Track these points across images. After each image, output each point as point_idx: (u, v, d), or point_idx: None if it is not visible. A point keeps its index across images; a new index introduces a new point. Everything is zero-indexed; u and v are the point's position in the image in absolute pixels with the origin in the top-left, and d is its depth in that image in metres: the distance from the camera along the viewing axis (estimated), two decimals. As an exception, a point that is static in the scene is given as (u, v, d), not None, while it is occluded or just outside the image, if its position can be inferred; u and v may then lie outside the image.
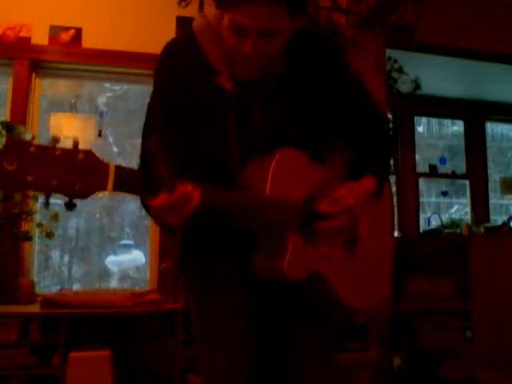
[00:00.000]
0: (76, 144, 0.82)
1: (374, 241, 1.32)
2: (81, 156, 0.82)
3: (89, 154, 0.83)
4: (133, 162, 3.16)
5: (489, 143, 5.35)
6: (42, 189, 0.80)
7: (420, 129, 5.37)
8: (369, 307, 1.35)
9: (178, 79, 1.17)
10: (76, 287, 3.44)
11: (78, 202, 0.83)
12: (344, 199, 1.15)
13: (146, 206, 1.04)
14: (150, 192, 0.91)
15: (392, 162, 1.40)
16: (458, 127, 5.43)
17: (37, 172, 0.78)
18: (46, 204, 0.83)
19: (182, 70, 1.17)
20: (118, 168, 0.86)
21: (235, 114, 1.14)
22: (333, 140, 1.28)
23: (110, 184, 0.84)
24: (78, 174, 0.81)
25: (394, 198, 1.41)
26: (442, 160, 5.22)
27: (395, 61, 3.63)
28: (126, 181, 0.87)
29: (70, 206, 0.83)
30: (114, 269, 3.50)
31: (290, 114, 1.18)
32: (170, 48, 1.21)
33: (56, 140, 0.81)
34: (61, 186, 0.80)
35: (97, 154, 0.84)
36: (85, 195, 0.82)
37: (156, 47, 1.25)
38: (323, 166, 1.23)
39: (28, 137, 2.86)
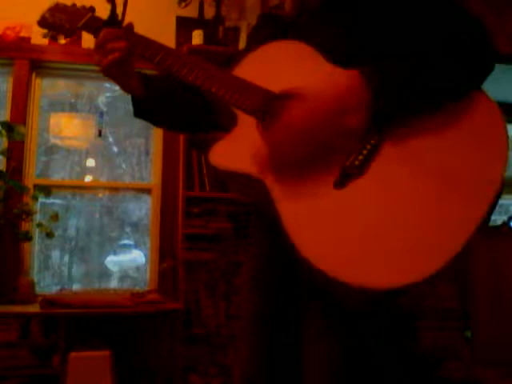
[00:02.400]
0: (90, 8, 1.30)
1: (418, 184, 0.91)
2: (82, 9, 1.29)
3: (89, 10, 1.29)
4: (133, 161, 3.16)
5: (489, 143, 5.34)
6: (68, 26, 1.25)
7: (420, 129, 5.36)
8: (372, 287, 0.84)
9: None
10: (76, 287, 3.44)
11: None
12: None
13: None
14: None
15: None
16: (458, 127, 5.42)
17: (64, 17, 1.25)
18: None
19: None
20: (93, 16, 1.27)
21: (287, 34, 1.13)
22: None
23: (81, 23, 1.23)
24: (71, 18, 1.25)
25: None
26: (442, 160, 5.20)
27: (395, 61, 3.63)
28: (93, 25, 1.23)
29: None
30: (113, 269, 3.50)
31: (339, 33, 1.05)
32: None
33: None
34: (64, 24, 1.24)
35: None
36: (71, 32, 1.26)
37: (156, 47, 1.26)
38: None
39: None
